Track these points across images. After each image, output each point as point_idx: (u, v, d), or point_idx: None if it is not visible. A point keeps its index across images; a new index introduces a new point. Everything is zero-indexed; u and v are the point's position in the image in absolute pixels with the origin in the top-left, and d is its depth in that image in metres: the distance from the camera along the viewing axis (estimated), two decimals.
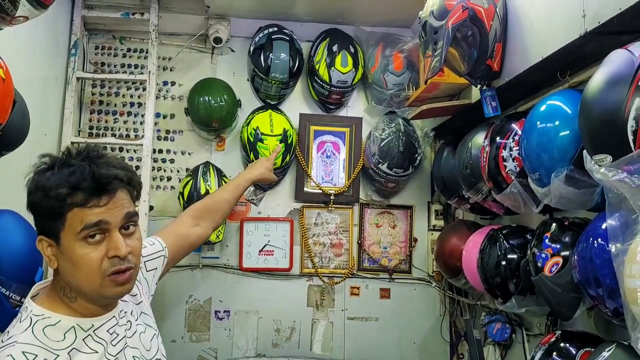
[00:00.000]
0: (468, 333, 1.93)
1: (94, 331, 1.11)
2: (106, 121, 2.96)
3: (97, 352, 1.09)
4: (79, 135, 2.86)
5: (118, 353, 1.14)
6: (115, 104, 2.98)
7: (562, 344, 1.67)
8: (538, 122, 1.68)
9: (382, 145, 2.86)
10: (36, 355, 1.01)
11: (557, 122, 1.62)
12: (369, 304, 3.05)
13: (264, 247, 2.99)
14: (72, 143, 2.52)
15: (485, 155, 2.02)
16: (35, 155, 1.15)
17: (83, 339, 1.09)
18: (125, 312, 1.22)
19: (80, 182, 1.05)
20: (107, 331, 1.14)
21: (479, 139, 2.17)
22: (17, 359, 1.00)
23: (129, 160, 2.91)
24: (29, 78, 2.28)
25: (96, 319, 1.13)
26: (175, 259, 1.55)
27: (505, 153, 1.93)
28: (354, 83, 2.94)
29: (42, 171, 1.10)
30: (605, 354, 1.37)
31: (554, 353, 1.67)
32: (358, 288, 3.05)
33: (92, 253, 1.06)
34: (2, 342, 1.04)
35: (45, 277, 1.77)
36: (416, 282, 3.09)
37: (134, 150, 2.90)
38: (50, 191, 1.05)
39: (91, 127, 2.95)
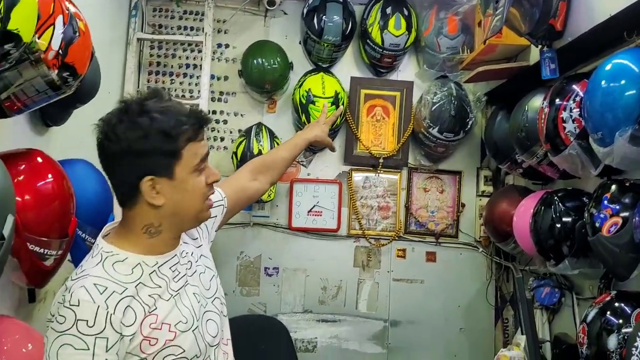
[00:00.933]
0: (519, 291, 1.96)
1: (158, 268, 1.19)
2: (163, 82, 3.05)
3: (160, 286, 1.17)
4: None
5: (179, 289, 1.21)
6: (172, 66, 3.06)
7: (616, 304, 1.68)
8: (603, 82, 1.66)
9: (433, 109, 2.86)
10: (106, 288, 1.09)
11: (623, 82, 1.59)
12: (414, 266, 3.10)
13: (312, 207, 3.06)
14: None
15: (543, 117, 2.00)
16: (101, 112, 1.22)
17: (149, 274, 1.16)
18: (186, 253, 1.29)
19: (189, 119, 1.15)
20: (170, 268, 1.21)
21: (536, 102, 2.16)
22: (89, 290, 1.08)
23: None
24: (95, 38, 2.36)
25: (160, 257, 1.20)
26: (233, 210, 1.62)
27: (565, 114, 1.91)
28: (406, 46, 2.93)
29: (138, 115, 1.13)
30: None
31: (608, 312, 1.68)
32: (404, 250, 3.10)
33: (202, 181, 1.19)
34: (76, 274, 1.13)
35: None
36: (462, 247, 3.11)
37: None
38: (171, 131, 1.13)
39: (149, 88, 3.04)
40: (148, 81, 3.05)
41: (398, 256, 3.10)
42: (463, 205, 3.12)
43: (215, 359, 1.26)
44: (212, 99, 3.07)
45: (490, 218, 2.72)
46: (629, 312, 1.63)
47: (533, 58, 2.32)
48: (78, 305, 1.06)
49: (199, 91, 2.85)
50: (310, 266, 3.06)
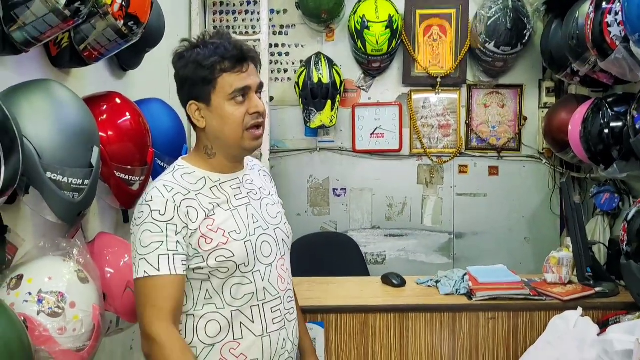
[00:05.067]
0: (564, 195, 2.03)
1: (220, 184, 1.41)
2: (227, 20, 3.24)
3: (220, 198, 1.39)
4: None
5: (239, 205, 1.42)
6: (234, 4, 3.23)
7: None
8: None
9: (489, 23, 2.84)
10: (173, 188, 1.34)
11: None
12: (477, 181, 3.19)
13: (375, 130, 3.20)
14: None
15: (589, 22, 1.99)
16: (172, 54, 1.43)
17: (210, 188, 1.39)
18: (252, 181, 1.49)
19: (227, 52, 1.32)
20: (231, 187, 1.43)
21: (586, 8, 2.12)
22: (160, 189, 1.34)
23: None
24: None
25: (223, 175, 1.42)
26: None
27: (610, 18, 1.89)
28: None
29: (188, 49, 1.36)
30: None
31: None
32: (466, 166, 3.19)
33: (238, 110, 1.34)
34: (153, 182, 1.41)
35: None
36: (525, 160, 3.15)
37: (253, 46, 3.14)
38: (203, 61, 1.32)
39: (214, 27, 3.24)
40: (214, 21, 3.24)
41: (460, 172, 3.20)
42: (525, 119, 3.13)
43: (264, 274, 1.42)
44: (274, 33, 3.22)
45: (549, 129, 2.74)
46: None
47: None
48: (152, 200, 1.32)
49: (260, 27, 3.00)
50: (376, 185, 3.24)
